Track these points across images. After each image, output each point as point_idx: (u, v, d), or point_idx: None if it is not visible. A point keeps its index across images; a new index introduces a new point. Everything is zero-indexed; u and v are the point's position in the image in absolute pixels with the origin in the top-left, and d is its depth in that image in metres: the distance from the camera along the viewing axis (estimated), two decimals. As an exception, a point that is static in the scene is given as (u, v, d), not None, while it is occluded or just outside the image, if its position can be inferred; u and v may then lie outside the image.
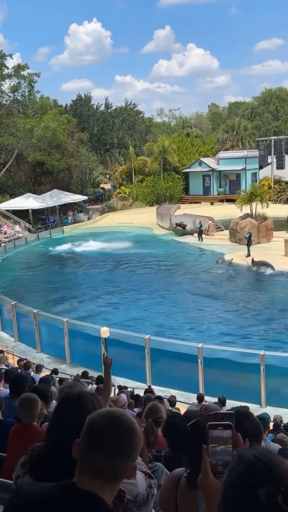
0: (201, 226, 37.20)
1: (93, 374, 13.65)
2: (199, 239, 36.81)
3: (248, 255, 29.62)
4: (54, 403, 5.24)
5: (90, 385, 11.02)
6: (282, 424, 9.39)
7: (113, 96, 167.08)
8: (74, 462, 1.59)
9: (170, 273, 29.29)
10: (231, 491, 1.16)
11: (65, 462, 1.74)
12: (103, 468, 1.49)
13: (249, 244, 30.10)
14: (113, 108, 71.42)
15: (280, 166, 53.41)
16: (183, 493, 1.96)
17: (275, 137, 58.00)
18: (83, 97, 69.44)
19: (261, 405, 12.72)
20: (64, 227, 48.18)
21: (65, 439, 1.82)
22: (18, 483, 1.65)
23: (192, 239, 37.65)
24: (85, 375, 13.40)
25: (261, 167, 56.80)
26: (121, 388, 11.88)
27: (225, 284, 25.91)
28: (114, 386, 12.09)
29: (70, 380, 12.37)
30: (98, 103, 71.39)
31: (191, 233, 38.63)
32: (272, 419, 9.33)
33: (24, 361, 12.16)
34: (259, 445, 2.16)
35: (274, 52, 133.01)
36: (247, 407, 3.33)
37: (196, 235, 37.51)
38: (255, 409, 11.17)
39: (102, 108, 70.71)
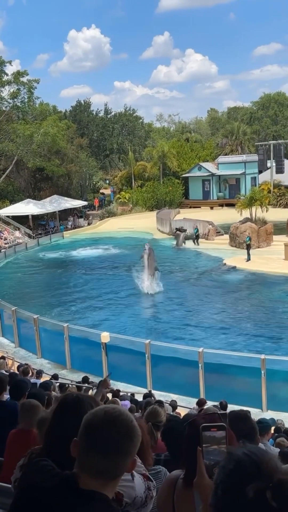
0: (197, 231, 37.43)
1: (94, 379, 13.64)
2: (195, 243, 37.01)
3: (248, 259, 29.62)
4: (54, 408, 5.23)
5: (91, 390, 11.01)
6: (283, 430, 9.34)
7: (112, 101, 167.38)
8: (73, 464, 1.60)
9: (170, 278, 29.26)
10: (220, 488, 1.18)
11: (64, 464, 1.75)
12: (103, 468, 1.50)
13: (248, 248, 30.13)
14: (113, 113, 71.66)
15: (280, 170, 53.56)
16: (180, 494, 1.97)
17: (274, 141, 58.25)
18: (83, 103, 69.70)
19: (262, 410, 12.70)
20: (64, 232, 48.22)
21: (63, 441, 1.82)
22: (28, 467, 1.66)
23: (192, 244, 37.70)
24: (85, 380, 13.40)
25: (260, 172, 56.96)
26: (118, 394, 11.79)
27: (225, 289, 25.90)
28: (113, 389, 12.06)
29: (72, 385, 12.36)
30: (98, 109, 71.69)
31: (191, 237, 38.71)
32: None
33: (23, 367, 12.12)
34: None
35: (273, 57, 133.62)
36: (248, 412, 3.33)
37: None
38: (256, 414, 11.15)
39: (101, 113, 70.96)
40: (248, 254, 29.88)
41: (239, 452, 1.22)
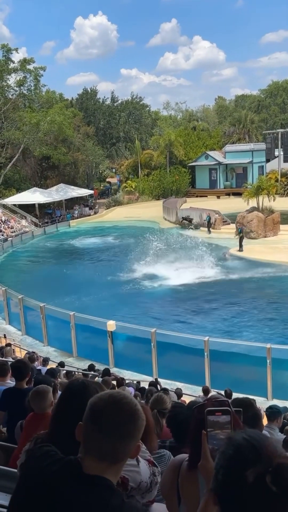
0: (209, 219, 37.26)
1: (100, 367, 13.72)
2: (208, 232, 36.88)
3: (241, 250, 29.62)
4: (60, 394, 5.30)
5: (96, 378, 11.07)
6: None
7: (119, 89, 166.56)
8: (78, 449, 1.61)
9: (174, 266, 29.19)
10: (221, 473, 1.20)
11: (70, 449, 1.76)
12: (107, 451, 1.52)
13: (241, 239, 30.04)
14: (119, 101, 71.26)
15: (287, 159, 53.15)
16: (184, 478, 1.98)
17: (282, 130, 57.69)
18: (89, 90, 69.29)
19: (267, 398, 12.73)
20: (70, 221, 48.27)
21: (69, 426, 1.83)
22: (32, 452, 1.68)
23: (198, 233, 37.59)
24: (91, 368, 13.47)
25: (268, 160, 56.53)
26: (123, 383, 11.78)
27: (230, 278, 25.85)
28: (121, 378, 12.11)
29: (78, 373, 12.44)
30: (104, 97, 71.43)
31: (197, 227, 38.57)
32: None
33: (29, 354, 12.21)
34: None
35: (281, 44, 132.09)
36: (253, 400, 3.34)
37: (202, 228, 37.66)
38: (261, 402, 11.17)
39: (108, 101, 70.58)
40: (241, 245, 29.95)
41: (239, 437, 1.23)
